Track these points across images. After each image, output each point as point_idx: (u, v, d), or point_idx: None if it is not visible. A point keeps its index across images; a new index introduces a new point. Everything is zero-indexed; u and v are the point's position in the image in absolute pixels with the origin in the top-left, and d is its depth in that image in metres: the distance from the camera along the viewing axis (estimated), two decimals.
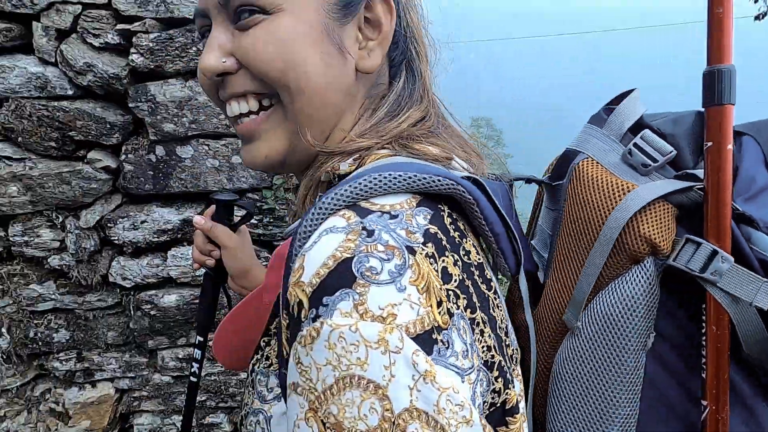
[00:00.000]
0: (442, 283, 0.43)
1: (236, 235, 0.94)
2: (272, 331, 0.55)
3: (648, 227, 0.54)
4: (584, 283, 0.58)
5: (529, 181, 0.71)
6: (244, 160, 0.60)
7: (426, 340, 0.40)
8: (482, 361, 0.44)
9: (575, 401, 0.59)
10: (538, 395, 0.66)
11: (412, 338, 0.39)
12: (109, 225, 1.69)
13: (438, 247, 0.44)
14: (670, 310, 0.56)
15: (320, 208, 0.45)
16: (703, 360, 0.54)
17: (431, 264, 0.43)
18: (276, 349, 0.52)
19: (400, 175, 0.46)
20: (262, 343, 0.55)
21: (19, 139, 1.58)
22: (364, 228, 0.42)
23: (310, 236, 0.44)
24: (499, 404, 0.46)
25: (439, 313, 0.41)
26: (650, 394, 0.57)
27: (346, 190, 0.45)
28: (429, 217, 0.46)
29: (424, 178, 0.46)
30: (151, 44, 1.55)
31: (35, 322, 1.74)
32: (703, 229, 0.54)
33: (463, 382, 0.41)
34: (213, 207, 0.96)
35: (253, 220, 1.73)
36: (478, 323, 0.45)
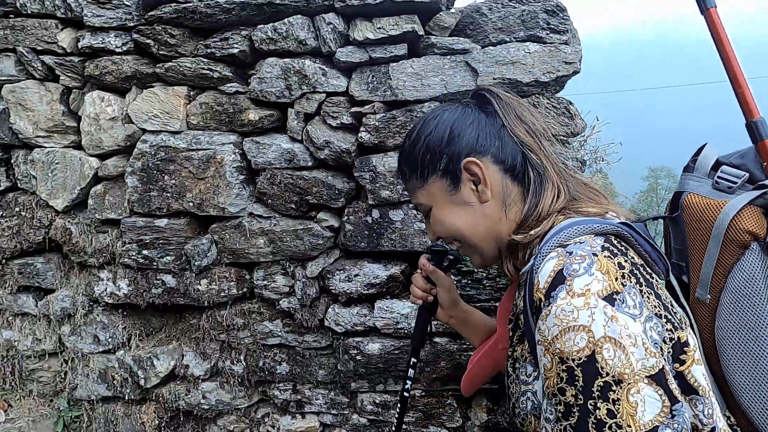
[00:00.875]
0: (617, 269, 0.75)
1: (447, 276, 1.31)
2: (515, 340, 0.93)
3: (747, 222, 0.84)
4: (707, 267, 0.88)
5: (655, 218, 1.04)
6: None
7: (609, 299, 0.71)
8: (652, 313, 0.74)
9: (737, 352, 0.86)
10: (709, 350, 0.94)
11: (602, 298, 0.71)
12: (328, 276, 1.94)
13: (611, 252, 0.78)
14: None
15: (542, 252, 0.81)
16: None
17: (608, 259, 0.76)
18: (524, 350, 0.87)
19: (581, 226, 0.81)
20: (512, 352, 0.93)
21: (269, 201, 1.94)
22: (566, 252, 0.78)
23: (538, 268, 0.79)
24: (675, 339, 0.76)
25: (616, 284, 0.73)
26: None
27: (554, 240, 0.81)
28: (603, 240, 0.80)
29: (597, 225, 0.81)
30: (377, 123, 1.80)
31: (264, 354, 2.06)
32: None
33: (635, 321, 0.71)
34: (427, 255, 1.32)
35: (453, 278, 1.84)
36: (643, 292, 0.76)
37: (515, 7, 1.73)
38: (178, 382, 2.14)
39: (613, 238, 0.82)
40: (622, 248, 0.81)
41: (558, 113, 1.75)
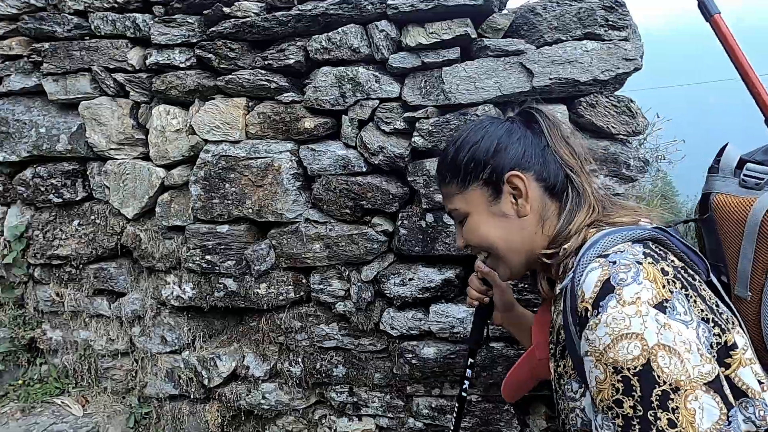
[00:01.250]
0: (662, 275, 0.75)
1: None
2: (557, 356, 0.91)
3: None
4: (744, 264, 0.89)
5: (686, 221, 1.12)
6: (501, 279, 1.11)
7: (660, 306, 0.71)
8: (700, 318, 0.74)
9: None
10: (758, 347, 0.92)
11: (653, 306, 0.71)
12: (383, 280, 1.96)
13: (653, 259, 0.78)
14: None
15: (581, 264, 0.80)
16: None
17: (653, 266, 0.75)
18: (567, 367, 0.86)
19: (616, 235, 0.81)
20: (556, 367, 0.92)
21: (324, 206, 1.98)
22: (609, 261, 0.77)
23: (580, 280, 0.78)
24: (722, 343, 0.75)
25: (664, 291, 0.73)
26: None
27: (592, 251, 0.80)
28: (642, 246, 0.80)
29: (632, 232, 0.82)
30: (430, 127, 1.80)
31: (321, 356, 2.10)
32: None
33: (687, 328, 0.71)
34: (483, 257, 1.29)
35: (510, 284, 1.81)
36: (690, 297, 0.76)
37: (571, 5, 1.69)
38: (240, 383, 2.22)
39: (651, 243, 0.82)
40: (662, 253, 0.81)
41: (618, 112, 1.69)
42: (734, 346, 0.75)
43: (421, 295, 1.92)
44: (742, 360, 0.75)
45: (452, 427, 1.37)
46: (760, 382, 0.76)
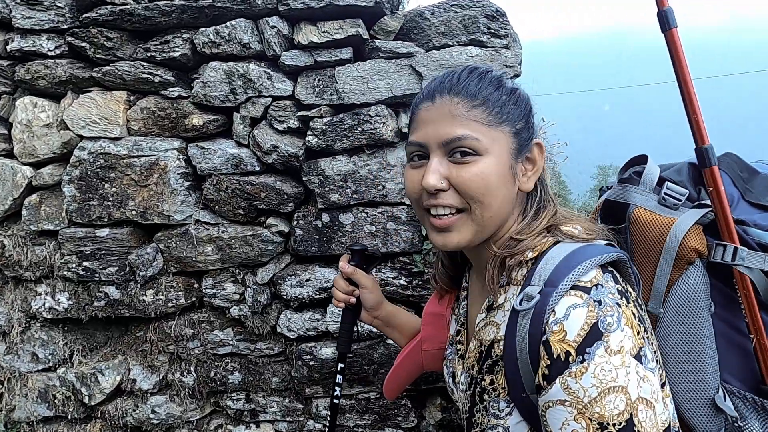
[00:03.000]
0: (635, 319, 0.72)
1: (370, 276, 1.23)
2: (484, 369, 0.84)
3: (693, 241, 0.87)
4: (660, 283, 0.89)
5: (611, 230, 1.02)
6: (437, 243, 0.86)
7: (638, 357, 0.69)
8: (656, 361, 0.73)
9: (678, 362, 0.88)
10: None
11: (633, 357, 0.69)
12: (279, 282, 1.92)
13: (626, 298, 0.74)
14: (715, 285, 0.88)
15: (557, 293, 0.72)
16: (743, 310, 0.87)
17: (628, 308, 0.73)
18: (497, 384, 0.81)
19: (588, 262, 0.74)
20: (479, 380, 0.85)
21: (216, 207, 1.90)
22: (594, 300, 0.71)
23: (556, 310, 0.71)
24: (663, 381, 0.75)
25: (639, 338, 0.71)
26: (720, 339, 0.88)
27: (567, 281, 0.72)
28: (610, 278, 0.75)
29: (603, 257, 0.76)
30: (324, 127, 1.79)
31: (215, 363, 2.01)
32: (720, 234, 0.87)
33: (654, 375, 0.70)
34: (348, 255, 1.25)
35: (403, 281, 1.86)
36: (649, 339, 0.74)
37: (457, 12, 1.77)
38: (126, 398, 2.06)
39: (611, 269, 0.78)
40: (626, 287, 0.78)
41: None
42: (664, 383, 0.77)
43: (318, 296, 1.90)
44: (667, 393, 0.77)
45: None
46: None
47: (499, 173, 0.81)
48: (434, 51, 1.78)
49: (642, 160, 1.02)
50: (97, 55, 1.83)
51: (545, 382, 0.71)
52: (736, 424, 0.88)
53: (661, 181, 0.96)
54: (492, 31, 1.77)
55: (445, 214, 0.83)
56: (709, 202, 0.89)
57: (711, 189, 0.89)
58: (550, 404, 0.70)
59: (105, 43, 1.81)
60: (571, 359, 0.68)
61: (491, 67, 0.89)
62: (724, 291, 0.89)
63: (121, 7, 1.77)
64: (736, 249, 0.85)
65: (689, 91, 0.90)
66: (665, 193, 0.93)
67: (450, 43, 1.79)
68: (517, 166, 0.84)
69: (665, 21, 0.90)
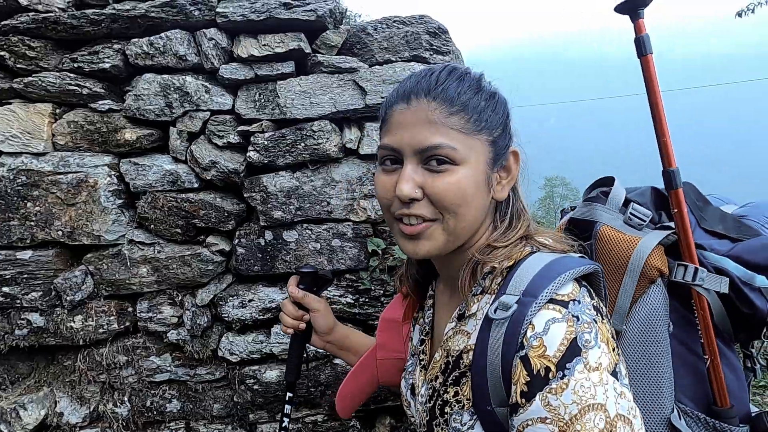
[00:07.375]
0: (610, 335, 0.72)
1: (321, 299, 1.17)
2: (449, 381, 0.81)
3: (656, 261, 0.89)
4: (624, 300, 0.91)
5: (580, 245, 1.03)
6: (407, 251, 0.82)
7: (614, 373, 0.69)
8: (627, 377, 0.72)
9: (637, 380, 0.88)
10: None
11: (610, 373, 0.68)
12: (220, 303, 1.84)
13: (600, 313, 0.74)
14: (674, 306, 0.91)
15: (536, 304, 0.70)
16: (699, 331, 0.90)
17: (603, 324, 0.72)
18: (461, 395, 0.78)
19: (567, 275, 0.73)
20: (442, 392, 0.82)
21: (152, 226, 1.80)
22: (572, 315, 0.70)
23: (531, 321, 0.70)
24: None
25: (614, 354, 0.71)
26: (675, 359, 0.90)
27: (546, 293, 0.71)
28: (586, 294, 0.75)
29: (578, 270, 0.75)
30: (266, 142, 1.74)
31: (152, 392, 1.89)
32: (681, 255, 0.90)
33: (629, 391, 0.70)
34: (296, 278, 1.17)
35: (349, 299, 1.82)
36: (619, 353, 0.73)
37: (399, 28, 1.77)
38: None
39: (584, 283, 0.78)
40: (599, 303, 0.77)
41: None
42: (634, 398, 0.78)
43: (262, 317, 1.83)
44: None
45: None
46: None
47: (476, 183, 0.78)
48: (377, 66, 1.77)
49: (609, 181, 1.04)
50: (18, 65, 1.71)
51: (524, 400, 0.68)
52: None
53: (626, 202, 0.98)
54: (434, 47, 1.78)
55: (417, 222, 0.80)
56: (670, 224, 0.93)
57: (675, 210, 0.91)
58: (530, 422, 0.68)
59: (27, 52, 1.70)
60: (551, 375, 0.67)
61: (469, 67, 0.85)
62: (681, 311, 0.92)
63: (44, 15, 1.66)
64: (696, 269, 0.88)
65: (660, 115, 0.93)
66: (631, 213, 0.95)
67: (393, 59, 1.78)
68: (493, 175, 0.82)
69: (642, 47, 0.92)
